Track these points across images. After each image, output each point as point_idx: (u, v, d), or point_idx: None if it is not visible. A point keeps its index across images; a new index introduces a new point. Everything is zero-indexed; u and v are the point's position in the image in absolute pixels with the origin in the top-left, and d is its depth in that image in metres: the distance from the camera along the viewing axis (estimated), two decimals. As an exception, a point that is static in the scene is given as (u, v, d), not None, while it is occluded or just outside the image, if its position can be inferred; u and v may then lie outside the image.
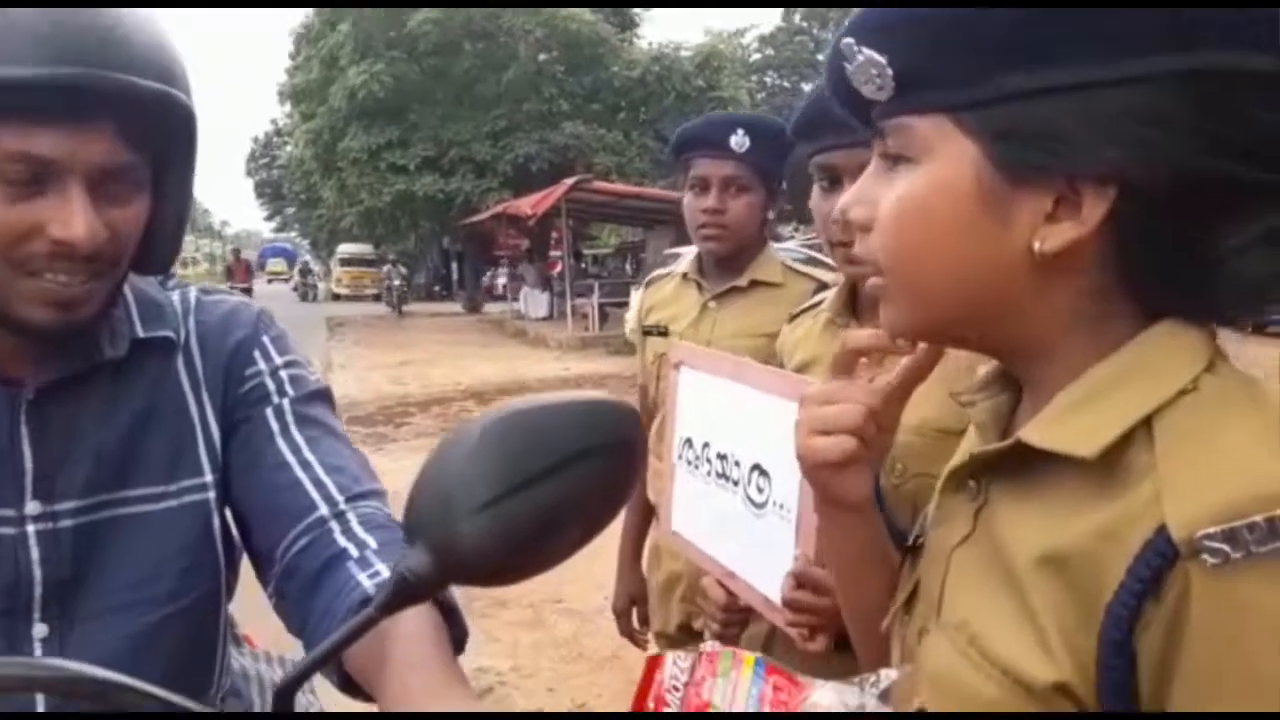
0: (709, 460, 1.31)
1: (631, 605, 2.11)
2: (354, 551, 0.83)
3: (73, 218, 0.76)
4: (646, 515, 1.98)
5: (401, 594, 0.57)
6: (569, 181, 16.26)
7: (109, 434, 0.88)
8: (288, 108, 29.00)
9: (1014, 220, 0.59)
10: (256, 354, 0.96)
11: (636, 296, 2.44)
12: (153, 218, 0.85)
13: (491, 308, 24.13)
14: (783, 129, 1.80)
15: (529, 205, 17.00)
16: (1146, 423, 0.55)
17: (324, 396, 0.98)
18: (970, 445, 0.72)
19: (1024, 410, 0.67)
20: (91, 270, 0.80)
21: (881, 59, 0.61)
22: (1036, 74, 0.56)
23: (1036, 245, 0.58)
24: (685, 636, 1.87)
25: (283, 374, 0.96)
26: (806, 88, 45.06)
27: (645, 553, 2.06)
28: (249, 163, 57.43)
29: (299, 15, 24.50)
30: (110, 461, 0.87)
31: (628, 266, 22.70)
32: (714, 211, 1.79)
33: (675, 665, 0.80)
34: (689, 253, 2.03)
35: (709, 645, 0.81)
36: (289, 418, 0.93)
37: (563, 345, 15.61)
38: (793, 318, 1.52)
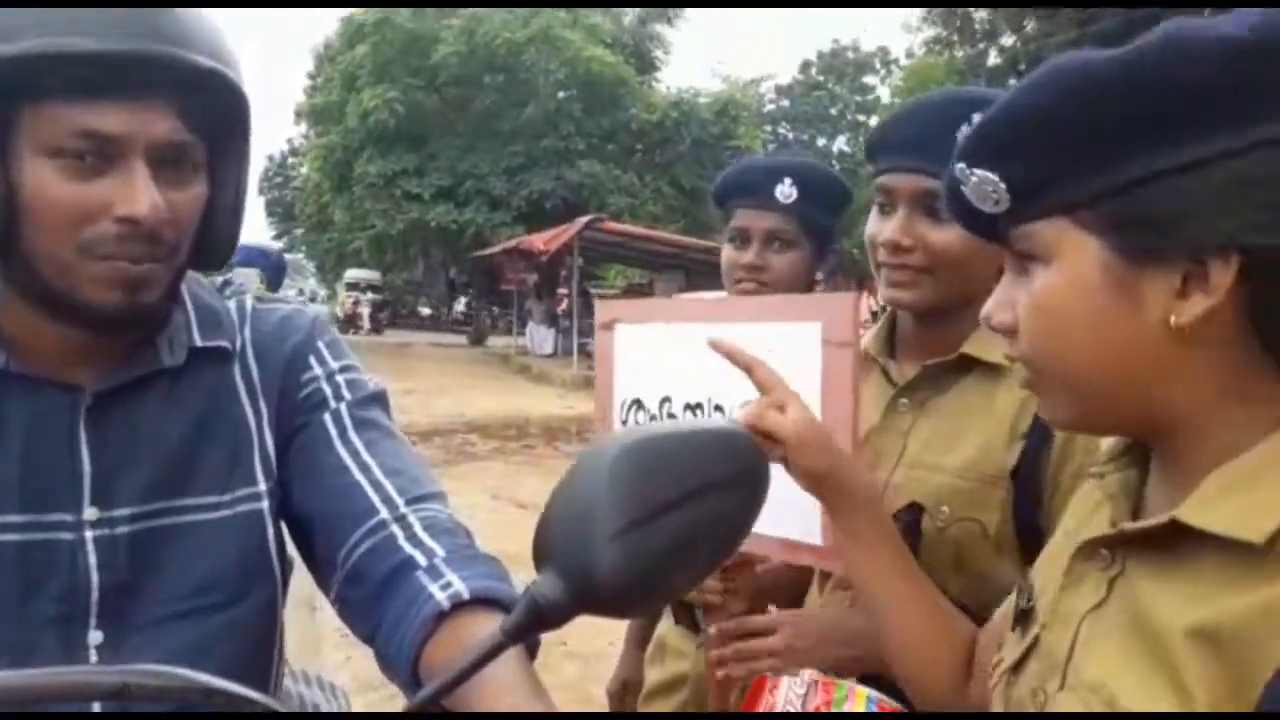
0: (671, 416, 1.22)
1: (625, 692, 1.91)
2: (421, 560, 0.83)
3: (137, 193, 0.76)
4: None
5: (532, 619, 0.56)
6: (582, 220, 16.30)
7: (166, 441, 0.87)
8: (303, 128, 29.21)
9: (1146, 301, 0.62)
10: (312, 359, 0.96)
11: None
12: (209, 208, 0.84)
13: (495, 341, 24.09)
14: (837, 179, 1.69)
15: (542, 241, 17.02)
16: None
17: (380, 399, 0.98)
18: (1099, 515, 0.74)
19: (1156, 485, 0.70)
20: (154, 251, 0.79)
21: (994, 177, 0.67)
22: (1140, 163, 0.60)
23: (1173, 320, 0.61)
24: None
25: (339, 378, 0.96)
26: (821, 142, 45.60)
27: (650, 644, 1.86)
28: (262, 181, 57.88)
29: (320, 34, 24.71)
30: (167, 469, 0.87)
31: (634, 308, 22.65)
32: (753, 268, 1.61)
33: (791, 690, 0.80)
34: (709, 298, 1.81)
35: (819, 675, 0.81)
36: (346, 421, 0.93)
37: (567, 383, 15.52)
38: None
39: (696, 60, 36.23)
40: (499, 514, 6.13)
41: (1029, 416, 1.09)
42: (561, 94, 22.89)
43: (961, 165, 0.69)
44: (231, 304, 0.96)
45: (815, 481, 0.92)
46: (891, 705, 0.76)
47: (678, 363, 1.21)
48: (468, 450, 9.18)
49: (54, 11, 0.72)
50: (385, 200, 22.88)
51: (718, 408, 1.17)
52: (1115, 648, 0.65)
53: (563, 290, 20.81)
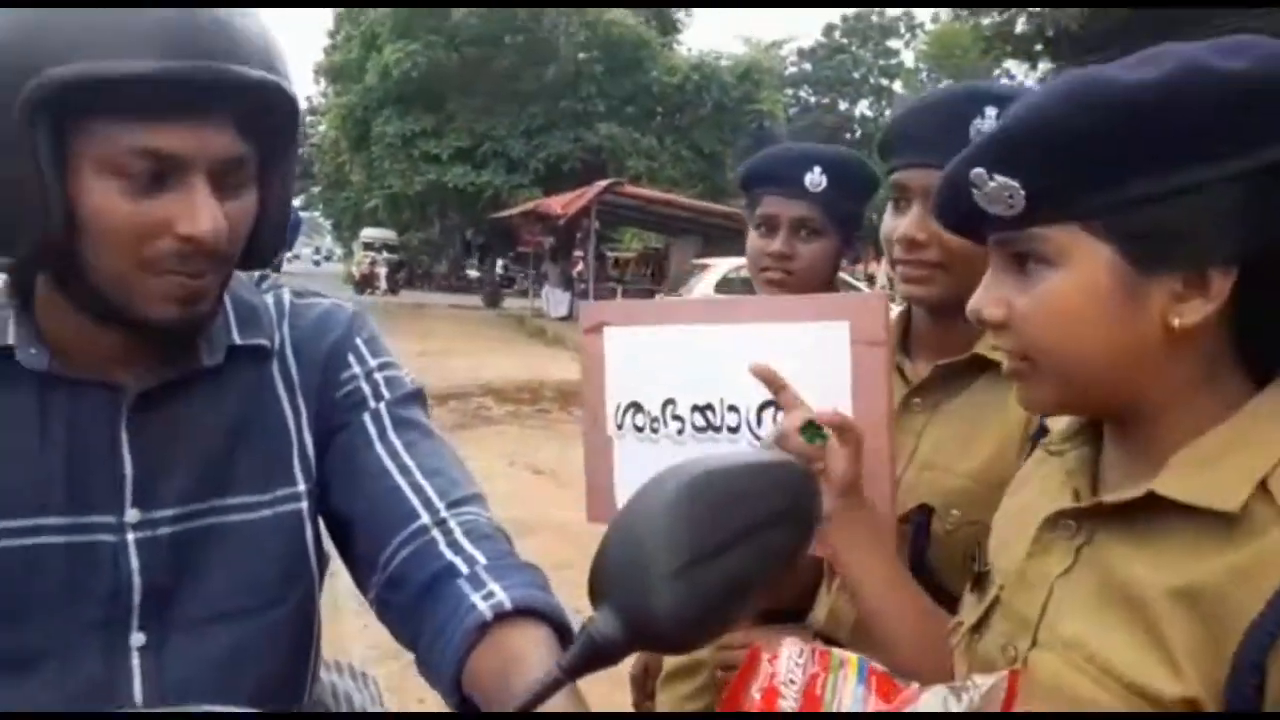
0: (676, 418, 1.20)
1: (646, 676, 1.87)
2: (463, 567, 0.83)
3: (199, 212, 0.75)
4: None
5: (590, 656, 0.56)
6: (601, 184, 16.22)
7: (207, 442, 0.87)
8: (323, 85, 29.03)
9: (1149, 304, 0.68)
10: (351, 357, 0.95)
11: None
12: (258, 211, 0.84)
13: (510, 303, 24.09)
14: (866, 167, 1.67)
15: (560, 205, 16.97)
16: (1262, 480, 0.65)
17: (418, 398, 0.98)
18: (1059, 488, 0.79)
19: (1113, 461, 0.77)
20: (213, 265, 0.79)
21: (1014, 183, 0.70)
22: (1159, 179, 0.66)
23: (1175, 322, 0.67)
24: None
25: (378, 376, 0.95)
26: (842, 106, 45.08)
27: None
28: (279, 138, 57.53)
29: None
30: (208, 469, 0.86)
31: (649, 272, 22.61)
32: (780, 256, 1.59)
33: (791, 660, 0.80)
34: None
35: (815, 643, 0.83)
36: (386, 421, 0.93)
37: (582, 347, 15.52)
38: None
39: (718, 22, 35.75)
40: (515, 480, 6.16)
41: (1038, 420, 1.10)
42: (582, 55, 22.66)
43: (980, 170, 0.71)
44: (269, 299, 0.95)
45: (839, 495, 0.95)
46: (881, 669, 0.79)
47: (679, 364, 1.20)
48: (483, 414, 9.23)
49: (106, 26, 0.71)
50: (403, 160, 22.80)
51: (731, 408, 1.16)
52: (1090, 609, 0.71)
53: (578, 253, 20.77)
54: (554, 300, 20.18)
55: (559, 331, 17.09)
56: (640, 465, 1.24)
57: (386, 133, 22.68)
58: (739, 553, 0.57)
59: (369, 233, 32.53)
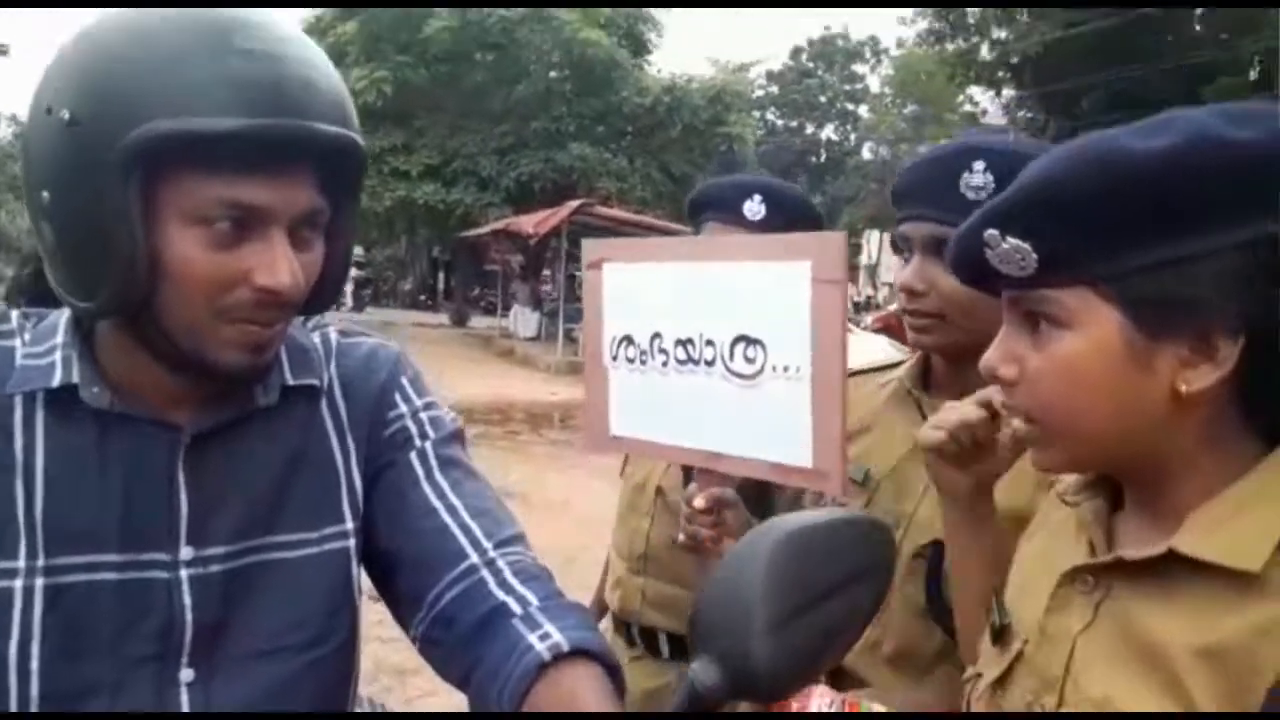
0: (662, 351, 1.30)
1: None
2: (515, 608, 0.85)
3: (278, 264, 0.77)
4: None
5: (693, 703, 0.60)
6: (573, 204, 16.24)
7: (259, 480, 0.88)
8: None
9: (1156, 368, 0.70)
10: (398, 397, 0.97)
11: None
12: (325, 259, 0.86)
13: (477, 322, 23.98)
14: (807, 203, 1.74)
15: (531, 224, 16.94)
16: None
17: (460, 437, 1.00)
18: (1075, 542, 0.80)
19: (1129, 515, 0.78)
20: (285, 315, 0.82)
21: (1026, 245, 0.71)
22: (1168, 246, 0.67)
23: (1183, 388, 0.69)
24: None
25: (423, 416, 0.97)
26: (809, 130, 45.53)
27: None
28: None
29: (308, 8, 24.32)
30: (259, 507, 0.88)
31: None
32: None
33: (819, 707, 0.85)
34: None
35: (845, 694, 0.87)
36: (432, 461, 0.95)
37: (551, 368, 15.50)
38: (852, 374, 1.42)
39: (688, 43, 36.09)
40: (486, 502, 6.12)
41: None
42: (553, 74, 22.71)
43: (994, 231, 0.73)
44: (316, 338, 0.97)
45: (976, 483, 0.99)
46: None
47: (666, 299, 1.29)
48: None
49: (198, 82, 0.72)
50: (371, 177, 22.59)
51: (709, 342, 1.24)
52: (1115, 667, 0.72)
53: (546, 272, 20.74)
54: (523, 320, 20.13)
55: (528, 352, 17.05)
56: (631, 394, 1.36)
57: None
58: (830, 605, 0.61)
59: (335, 248, 32.22)
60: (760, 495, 1.45)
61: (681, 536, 1.37)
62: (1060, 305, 0.72)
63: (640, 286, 1.33)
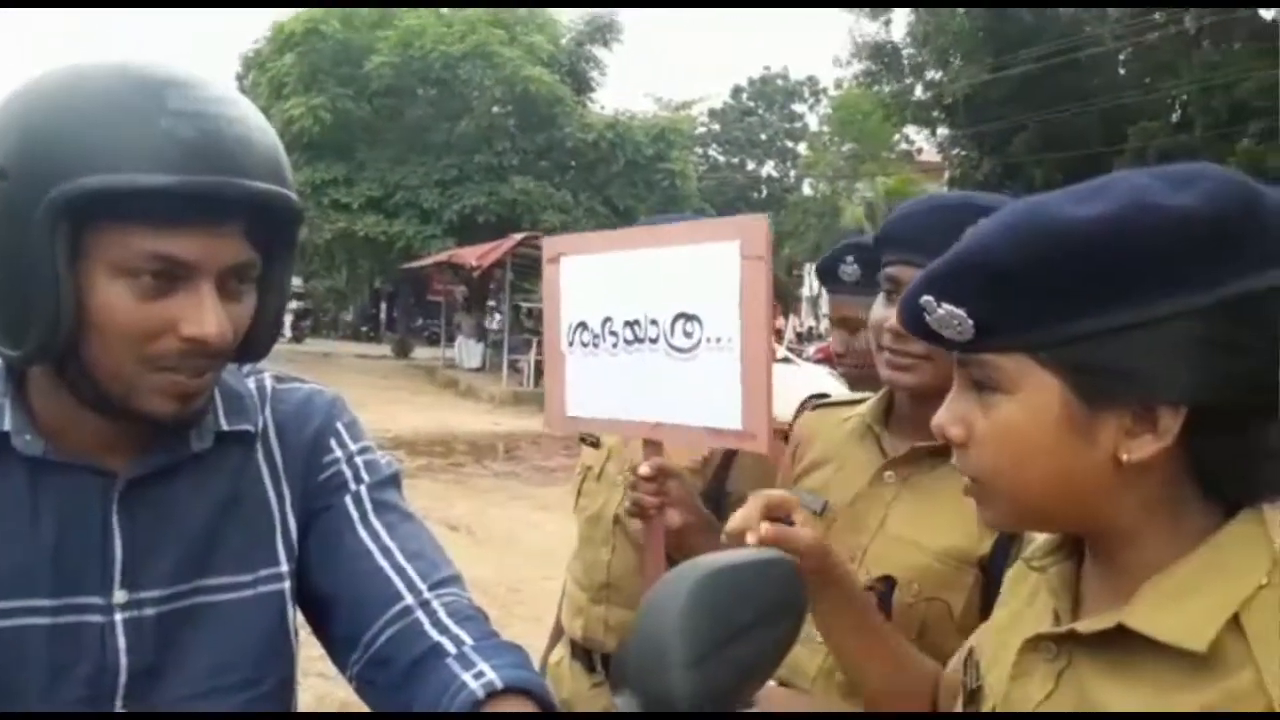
0: (612, 334, 1.42)
1: None
2: (450, 647, 0.86)
3: (205, 315, 0.78)
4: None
5: None
6: (517, 237, 16.26)
7: (194, 524, 0.89)
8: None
9: (1098, 437, 0.68)
10: (333, 442, 0.98)
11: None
12: (257, 309, 0.87)
13: (420, 353, 23.76)
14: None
15: (475, 256, 16.93)
16: (1234, 615, 0.65)
17: (395, 481, 1.01)
18: (1041, 607, 0.80)
19: (1093, 579, 0.77)
20: (213, 364, 0.83)
21: (960, 311, 0.70)
22: (1105, 316, 0.66)
23: (1125, 457, 0.67)
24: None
25: (358, 460, 0.98)
26: (750, 167, 46.20)
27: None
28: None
29: (248, 40, 24.05)
30: (194, 551, 0.88)
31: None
32: None
33: None
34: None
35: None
36: (367, 505, 0.96)
37: (495, 399, 15.43)
38: (815, 406, 1.48)
39: (632, 82, 36.57)
40: (430, 535, 6.07)
41: None
42: (496, 109, 22.78)
43: (929, 297, 0.72)
44: (251, 383, 0.98)
45: (813, 572, 0.99)
46: None
47: (615, 286, 1.41)
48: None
49: (129, 139, 0.74)
50: (312, 209, 22.40)
51: (653, 321, 1.37)
52: None
53: (491, 303, 20.67)
54: (467, 351, 20.02)
55: (472, 383, 16.92)
56: (585, 376, 1.47)
57: (295, 180, 22.27)
58: (748, 641, 0.64)
59: (274, 280, 31.72)
60: (716, 499, 1.57)
61: (627, 504, 1.46)
62: (1000, 371, 0.70)
63: (593, 275, 1.44)
